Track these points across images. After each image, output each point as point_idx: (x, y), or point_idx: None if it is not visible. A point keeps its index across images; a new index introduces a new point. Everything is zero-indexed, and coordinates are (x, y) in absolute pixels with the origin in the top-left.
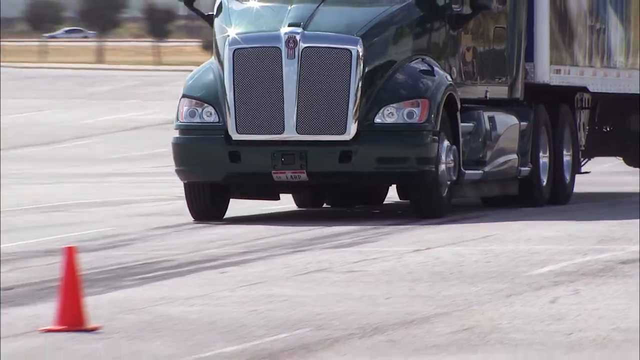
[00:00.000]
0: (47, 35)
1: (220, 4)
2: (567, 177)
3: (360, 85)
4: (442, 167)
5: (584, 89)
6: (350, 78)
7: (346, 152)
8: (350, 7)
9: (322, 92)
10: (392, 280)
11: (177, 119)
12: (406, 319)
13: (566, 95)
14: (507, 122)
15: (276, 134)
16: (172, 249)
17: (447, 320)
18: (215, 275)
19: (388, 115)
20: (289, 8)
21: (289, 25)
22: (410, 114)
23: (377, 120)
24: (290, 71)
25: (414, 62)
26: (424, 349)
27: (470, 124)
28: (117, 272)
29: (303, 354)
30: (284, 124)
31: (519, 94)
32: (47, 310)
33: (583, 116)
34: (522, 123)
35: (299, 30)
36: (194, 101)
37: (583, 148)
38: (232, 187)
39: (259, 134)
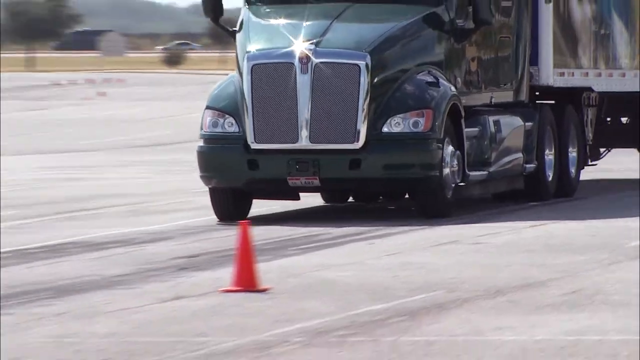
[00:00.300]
0: None
1: (242, 20)
2: (573, 171)
3: (368, 97)
4: (447, 171)
5: (589, 89)
6: (359, 91)
7: (356, 160)
8: (361, 24)
9: (333, 104)
10: (512, 251)
11: (202, 129)
12: (524, 283)
13: (573, 95)
14: (512, 124)
15: (291, 143)
16: (328, 224)
17: (558, 284)
18: (363, 246)
19: (395, 124)
20: (304, 25)
21: (303, 42)
22: (415, 124)
23: (385, 129)
24: (303, 85)
25: (420, 74)
26: (539, 308)
27: (476, 129)
28: (284, 243)
29: (437, 311)
30: (298, 133)
31: (524, 96)
32: (226, 275)
33: (590, 113)
34: (527, 124)
35: (312, 46)
36: (216, 112)
37: (590, 142)
38: (253, 191)
39: (275, 143)
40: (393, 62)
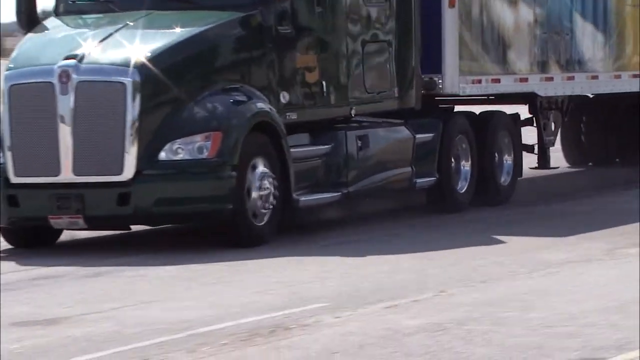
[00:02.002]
0: None
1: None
2: (503, 179)
3: (138, 120)
4: (255, 195)
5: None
6: (125, 113)
7: (124, 194)
8: (147, 33)
9: (98, 130)
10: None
11: None
12: None
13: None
14: (391, 137)
15: (52, 176)
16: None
17: None
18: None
19: (176, 151)
20: (79, 38)
21: (65, 58)
22: (200, 149)
23: (162, 157)
24: (64, 108)
25: (218, 92)
26: None
27: (325, 147)
28: None
29: None
30: (60, 165)
31: (414, 104)
32: None
33: (552, 116)
34: (420, 135)
35: (73, 62)
36: None
37: (553, 145)
38: (19, 231)
39: (35, 176)
40: (176, 78)
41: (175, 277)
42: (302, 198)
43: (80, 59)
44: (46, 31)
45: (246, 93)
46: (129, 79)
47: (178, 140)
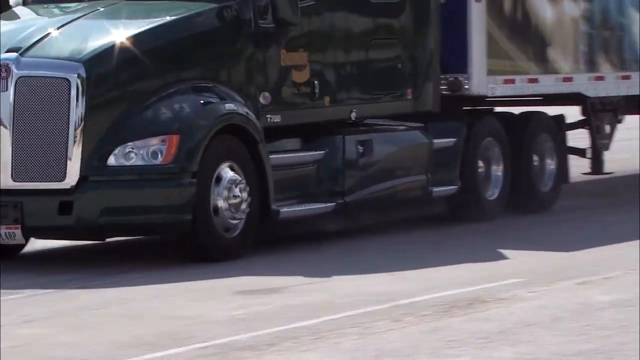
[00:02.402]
0: None
1: None
2: (544, 185)
3: (84, 121)
4: (222, 205)
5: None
6: (69, 113)
7: (66, 203)
8: (107, 24)
9: (39, 131)
10: None
11: None
12: None
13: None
14: (401, 143)
15: None
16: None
17: None
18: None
19: (126, 156)
20: (33, 28)
21: (7, 51)
22: (154, 154)
23: (112, 162)
24: (5, 106)
25: (182, 91)
26: None
27: (315, 153)
28: None
29: None
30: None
31: (429, 108)
32: None
33: (606, 118)
34: (438, 140)
35: (14, 56)
36: None
37: (607, 149)
38: None
39: None
40: (132, 74)
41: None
42: (284, 209)
43: (24, 51)
44: (8, 20)
45: (216, 92)
46: (73, 75)
47: (130, 144)
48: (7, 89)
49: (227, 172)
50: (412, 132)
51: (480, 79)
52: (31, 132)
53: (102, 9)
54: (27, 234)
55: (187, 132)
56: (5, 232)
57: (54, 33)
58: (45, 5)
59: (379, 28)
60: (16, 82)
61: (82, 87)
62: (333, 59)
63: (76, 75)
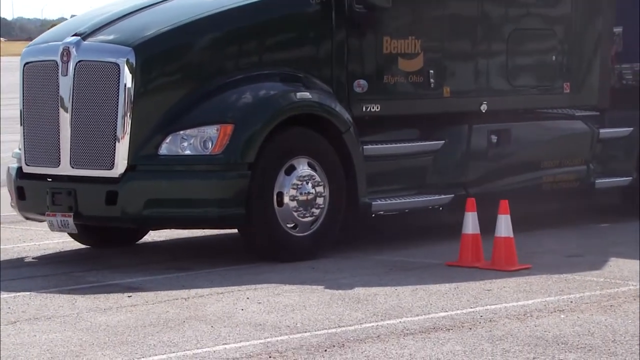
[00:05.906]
0: None
1: None
2: None
3: (133, 107)
4: (288, 201)
5: None
6: (118, 99)
7: (112, 193)
8: (181, 7)
9: (93, 118)
10: None
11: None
12: None
13: None
14: (552, 133)
15: (53, 167)
16: None
17: None
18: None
19: (179, 145)
20: (107, 13)
21: (73, 35)
22: (205, 144)
23: (163, 151)
24: (65, 91)
25: (252, 78)
26: None
27: (431, 142)
28: None
29: None
30: (59, 154)
31: (594, 103)
32: None
33: None
34: (607, 130)
35: (76, 39)
36: None
37: None
38: None
39: (40, 165)
40: (187, 60)
41: None
42: (377, 202)
43: (87, 35)
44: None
45: (292, 80)
46: (122, 60)
47: (182, 132)
48: (67, 73)
49: (298, 165)
50: (572, 121)
51: None
52: (87, 118)
53: None
54: (79, 223)
55: (243, 121)
56: (60, 220)
57: (123, 19)
58: None
59: (526, 17)
60: (75, 66)
61: (132, 73)
62: (458, 48)
63: (125, 60)
